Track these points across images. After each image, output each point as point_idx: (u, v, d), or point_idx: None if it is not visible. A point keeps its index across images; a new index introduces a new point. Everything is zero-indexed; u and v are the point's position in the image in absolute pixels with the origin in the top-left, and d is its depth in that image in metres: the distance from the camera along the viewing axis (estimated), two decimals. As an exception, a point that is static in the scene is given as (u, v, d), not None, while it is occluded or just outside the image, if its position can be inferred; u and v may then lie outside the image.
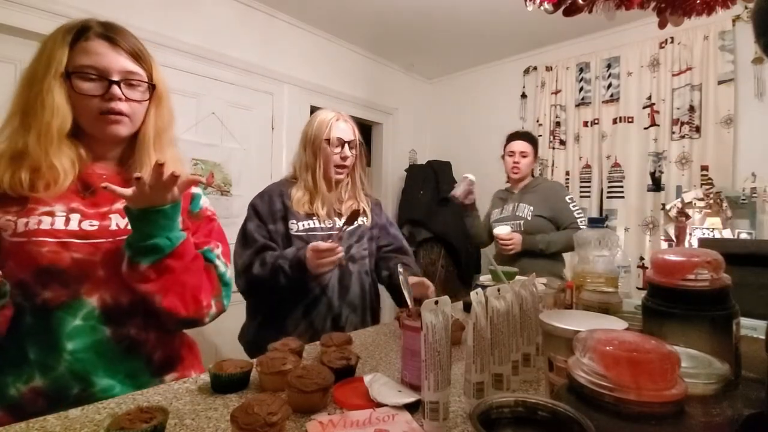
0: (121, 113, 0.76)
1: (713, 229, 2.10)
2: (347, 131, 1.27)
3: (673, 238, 2.23)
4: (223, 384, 0.70)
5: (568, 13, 1.05)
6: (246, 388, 0.72)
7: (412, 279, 1.15)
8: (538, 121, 3.07)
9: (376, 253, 1.37)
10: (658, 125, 2.53)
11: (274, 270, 1.12)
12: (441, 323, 0.57)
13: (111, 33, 0.78)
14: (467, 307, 1.15)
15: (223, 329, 1.30)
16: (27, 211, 0.71)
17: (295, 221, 1.22)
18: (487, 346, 0.64)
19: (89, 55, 0.75)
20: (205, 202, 0.94)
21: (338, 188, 1.30)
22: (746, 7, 2.00)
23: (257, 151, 2.45)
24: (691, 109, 2.39)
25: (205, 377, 0.76)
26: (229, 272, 0.89)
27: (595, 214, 2.79)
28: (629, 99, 2.66)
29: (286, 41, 2.68)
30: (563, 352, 0.60)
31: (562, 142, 2.95)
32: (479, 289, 0.64)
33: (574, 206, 1.90)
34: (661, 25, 1.11)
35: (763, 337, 0.57)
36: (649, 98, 2.58)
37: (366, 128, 3.53)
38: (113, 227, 0.76)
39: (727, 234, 2.07)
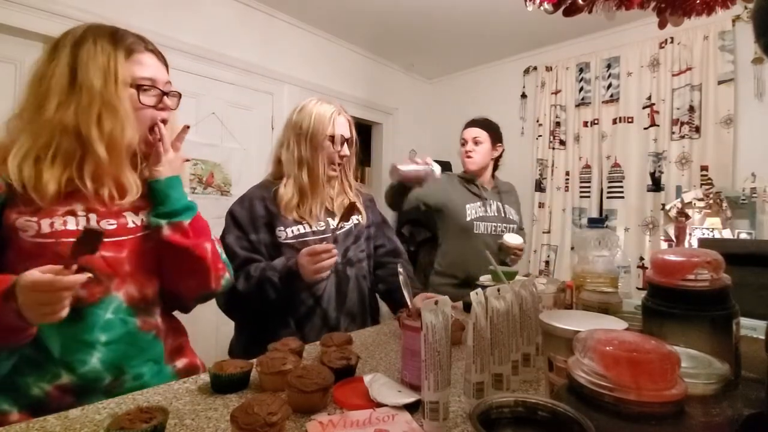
0: (164, 121, 0.82)
1: (713, 229, 2.10)
2: (347, 127, 1.19)
3: (673, 238, 2.23)
4: (223, 384, 0.70)
5: (568, 13, 1.05)
6: (246, 388, 0.72)
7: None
8: (538, 121, 3.07)
9: (374, 255, 1.28)
10: (658, 125, 2.54)
11: (261, 283, 1.02)
12: (441, 323, 0.57)
13: (152, 46, 0.86)
14: (467, 307, 1.14)
15: (222, 336, 1.29)
16: (48, 211, 0.71)
17: (282, 228, 1.10)
18: (487, 346, 0.64)
19: (145, 68, 0.80)
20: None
21: (330, 185, 1.19)
22: (746, 7, 2.00)
23: (257, 151, 2.45)
24: (691, 109, 2.39)
25: (205, 377, 0.76)
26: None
27: (595, 214, 2.79)
28: (629, 99, 2.66)
29: (286, 41, 2.68)
30: (563, 352, 0.60)
31: (562, 142, 2.95)
32: (479, 289, 0.64)
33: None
34: (661, 26, 1.11)
35: (763, 337, 0.57)
36: (649, 98, 2.58)
37: (366, 128, 3.53)
38: (131, 225, 0.79)
39: (726, 234, 2.08)
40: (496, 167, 1.89)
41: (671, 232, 2.26)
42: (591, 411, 0.40)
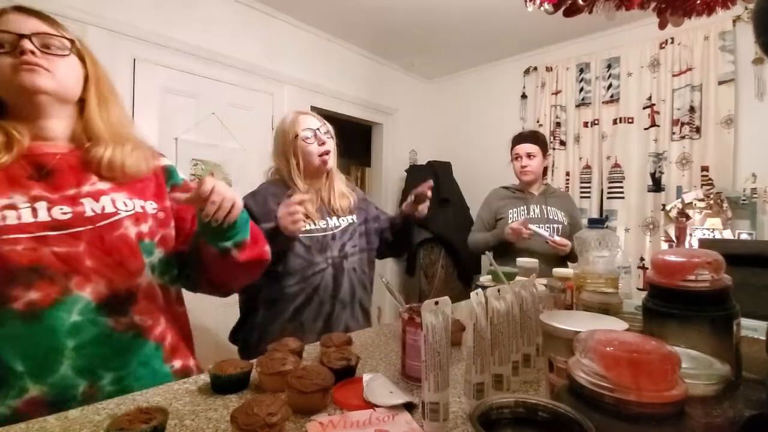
0: (37, 64, 0.71)
1: (713, 229, 2.10)
2: (312, 120, 1.26)
3: (674, 238, 2.23)
4: (223, 384, 0.70)
5: (568, 13, 1.05)
6: (246, 388, 0.72)
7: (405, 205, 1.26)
8: (538, 121, 3.07)
9: (380, 238, 1.39)
10: (659, 126, 2.53)
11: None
12: (441, 324, 0.57)
13: (26, 7, 0.76)
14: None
15: (222, 333, 1.29)
16: None
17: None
18: (487, 347, 0.64)
19: (12, 23, 0.71)
20: (180, 173, 0.95)
21: (329, 179, 1.29)
22: (746, 8, 2.00)
23: (257, 152, 2.45)
24: (692, 109, 2.39)
25: (205, 377, 0.76)
26: None
27: (595, 214, 2.79)
28: (629, 99, 2.66)
29: (286, 41, 2.68)
30: (563, 352, 0.60)
31: (563, 143, 2.95)
32: (479, 290, 0.64)
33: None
34: (662, 26, 1.11)
35: (763, 337, 0.57)
36: (650, 99, 2.57)
37: (366, 128, 3.53)
38: (89, 213, 0.72)
39: (727, 234, 2.07)
40: (544, 174, 2.06)
41: (672, 232, 2.26)
42: (591, 412, 0.40)
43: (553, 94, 3.00)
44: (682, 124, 2.43)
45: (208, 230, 0.78)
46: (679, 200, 2.27)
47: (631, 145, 2.64)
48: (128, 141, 0.82)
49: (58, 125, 0.77)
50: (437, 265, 3.20)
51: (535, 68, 3.12)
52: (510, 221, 1.87)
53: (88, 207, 0.72)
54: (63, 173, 0.73)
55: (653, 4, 1.05)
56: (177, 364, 0.82)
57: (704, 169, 2.34)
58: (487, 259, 1.14)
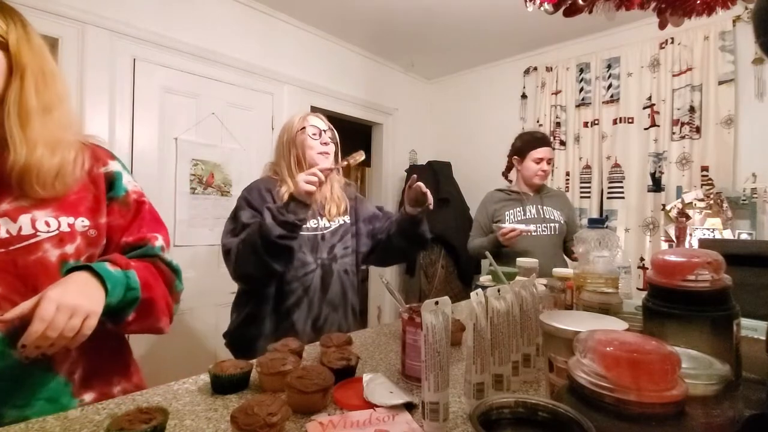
0: None
1: (714, 229, 2.10)
2: (321, 122, 1.29)
3: (674, 238, 2.23)
4: (223, 384, 0.70)
5: (568, 13, 1.05)
6: (246, 388, 0.72)
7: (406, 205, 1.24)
8: (538, 121, 3.07)
9: (374, 239, 1.37)
10: (659, 126, 2.53)
11: (260, 218, 1.09)
12: (441, 324, 0.57)
13: None
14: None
15: (223, 329, 1.29)
16: None
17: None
18: (488, 347, 0.64)
19: None
20: (128, 181, 0.81)
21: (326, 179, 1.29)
22: (746, 8, 2.00)
23: (257, 152, 2.45)
24: (692, 109, 2.39)
25: (205, 378, 0.76)
26: (174, 259, 0.84)
27: (595, 214, 2.79)
28: (629, 99, 2.66)
29: (286, 41, 2.68)
30: (563, 352, 0.60)
31: (563, 143, 2.95)
32: (479, 290, 0.64)
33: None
34: (662, 26, 1.11)
35: (763, 337, 0.57)
36: (650, 99, 2.57)
37: (366, 128, 3.53)
38: (3, 235, 0.64)
39: (727, 234, 2.07)
40: None
41: (672, 232, 2.26)
42: (591, 412, 0.40)
43: (553, 94, 2.99)
44: (682, 124, 2.43)
45: None
46: (679, 200, 2.27)
47: (631, 145, 2.64)
48: (59, 148, 0.70)
49: None
50: (437, 265, 3.19)
51: (535, 68, 3.12)
52: (507, 222, 1.89)
53: (3, 228, 0.64)
54: None
55: (653, 4, 1.05)
56: (88, 397, 0.73)
57: (704, 169, 2.34)
58: (487, 259, 1.14)
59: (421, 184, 1.18)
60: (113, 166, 0.80)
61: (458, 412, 0.64)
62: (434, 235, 3.13)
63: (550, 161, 1.93)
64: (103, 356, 0.77)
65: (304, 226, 1.20)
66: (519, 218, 1.91)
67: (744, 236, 2.09)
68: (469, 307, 0.62)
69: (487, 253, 1.21)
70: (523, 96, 3.20)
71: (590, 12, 1.04)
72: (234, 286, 1.25)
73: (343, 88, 3.05)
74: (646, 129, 2.59)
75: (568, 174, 2.91)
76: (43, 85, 0.70)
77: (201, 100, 2.25)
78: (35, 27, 0.72)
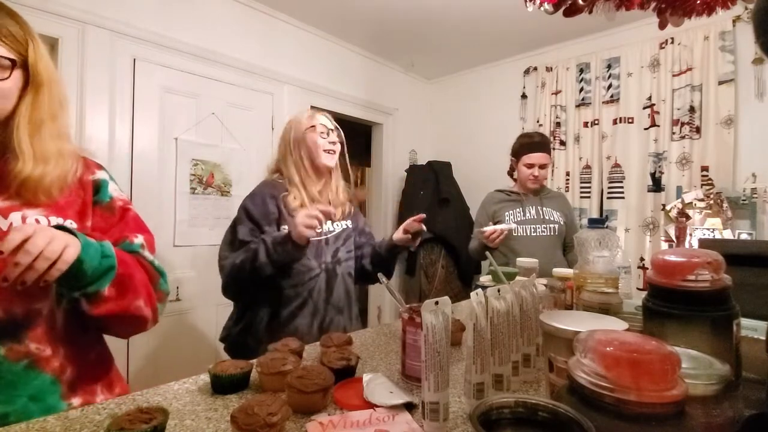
0: None
1: (714, 229, 2.10)
2: (328, 121, 1.29)
3: (674, 238, 2.23)
4: (224, 384, 0.70)
5: (568, 13, 1.05)
6: (246, 388, 0.72)
7: (397, 234, 1.24)
8: (538, 121, 3.07)
9: (357, 257, 1.37)
10: (659, 126, 2.53)
11: (255, 250, 1.07)
12: (441, 324, 0.57)
13: None
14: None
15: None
16: None
17: (287, 226, 1.17)
18: (488, 347, 0.64)
19: None
20: (114, 189, 0.83)
21: (331, 180, 1.30)
22: (746, 8, 2.00)
23: (257, 152, 2.45)
24: (692, 109, 2.39)
25: (205, 378, 0.76)
26: (158, 261, 0.84)
27: (595, 214, 2.79)
28: (629, 99, 2.66)
29: (286, 41, 2.68)
30: (563, 352, 0.60)
31: (563, 143, 2.95)
32: (479, 290, 0.64)
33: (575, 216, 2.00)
34: (662, 26, 1.11)
35: (763, 337, 0.57)
36: (650, 99, 2.57)
37: (366, 128, 3.53)
38: None
39: (727, 234, 2.07)
40: None
41: (672, 232, 2.26)
42: (591, 412, 0.40)
43: (553, 94, 2.99)
44: (682, 124, 2.43)
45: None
46: (679, 200, 2.27)
47: (631, 145, 2.64)
48: (61, 159, 0.73)
49: None
50: (437, 265, 3.20)
51: (535, 68, 3.12)
52: (507, 221, 1.90)
53: None
54: None
55: (653, 4, 1.05)
56: (76, 401, 0.72)
57: (704, 169, 2.34)
58: (487, 259, 1.14)
59: (422, 227, 1.20)
60: (101, 175, 0.83)
61: (458, 412, 0.64)
62: (434, 235, 3.15)
63: (544, 167, 1.91)
64: (89, 361, 0.77)
65: None
66: (518, 219, 1.92)
67: (744, 236, 2.09)
68: (469, 307, 0.62)
69: (488, 253, 1.21)
70: (523, 96, 3.20)
71: (590, 12, 1.04)
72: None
73: (343, 88, 3.05)
74: (646, 129, 2.59)
75: (568, 174, 2.91)
76: (50, 95, 0.73)
77: (201, 100, 2.25)
78: (35, 27, 0.73)
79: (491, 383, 0.66)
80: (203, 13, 2.26)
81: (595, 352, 0.42)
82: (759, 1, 0.53)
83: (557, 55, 3.01)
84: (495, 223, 1.97)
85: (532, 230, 1.88)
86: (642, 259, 2.55)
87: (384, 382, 0.71)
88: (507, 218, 1.93)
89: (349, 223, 1.33)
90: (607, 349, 0.41)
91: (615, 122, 2.70)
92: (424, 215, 1.20)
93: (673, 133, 2.47)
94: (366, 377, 0.73)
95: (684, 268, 0.58)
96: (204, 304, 2.18)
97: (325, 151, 1.24)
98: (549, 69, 3.03)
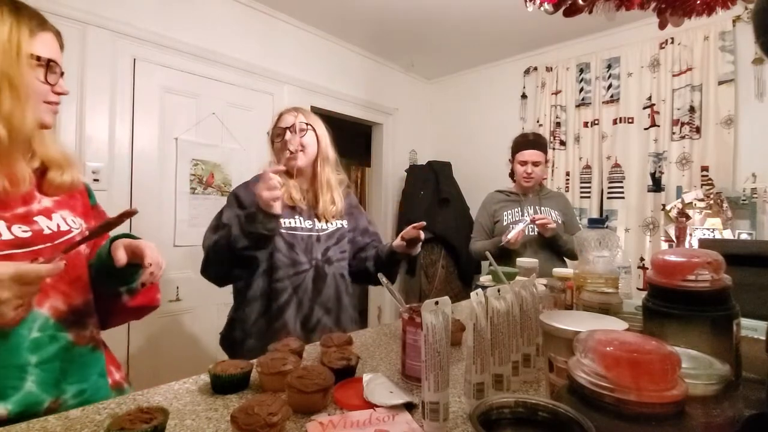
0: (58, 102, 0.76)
1: (714, 229, 2.10)
2: (288, 118, 1.25)
3: (674, 238, 2.23)
4: (224, 384, 0.70)
5: (568, 13, 1.05)
6: (246, 388, 0.72)
7: (396, 242, 1.22)
8: (538, 121, 3.07)
9: (354, 252, 1.35)
10: (659, 126, 2.53)
11: (230, 226, 1.07)
12: (441, 324, 0.57)
13: (51, 25, 0.75)
14: None
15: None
16: None
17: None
18: (488, 347, 0.64)
19: (49, 48, 0.72)
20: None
21: (314, 179, 1.27)
22: (746, 8, 2.00)
23: (257, 151, 2.45)
24: (692, 109, 2.39)
25: (205, 378, 0.76)
26: None
27: (595, 214, 2.79)
28: (629, 99, 2.66)
29: (286, 41, 2.68)
30: (563, 352, 0.60)
31: (563, 143, 2.95)
32: (479, 290, 0.64)
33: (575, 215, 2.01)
34: (662, 26, 1.11)
35: (763, 337, 0.57)
36: (650, 99, 2.57)
37: (366, 128, 3.53)
38: (47, 231, 0.72)
39: (727, 234, 2.07)
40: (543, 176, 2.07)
41: (672, 232, 2.26)
42: (591, 412, 0.40)
43: (553, 94, 2.99)
44: (682, 124, 2.43)
45: (108, 271, 0.76)
46: (679, 200, 2.27)
47: (631, 145, 2.64)
48: (71, 159, 0.81)
49: None
50: (437, 265, 3.20)
51: (535, 68, 3.12)
52: (506, 224, 1.92)
53: (44, 225, 0.72)
54: (11, 192, 0.71)
55: (653, 4, 1.05)
56: (111, 378, 0.82)
57: (704, 169, 2.34)
58: (487, 259, 1.14)
59: (420, 235, 1.19)
60: (83, 180, 0.91)
61: (458, 412, 0.64)
62: (434, 235, 3.15)
63: (537, 164, 1.93)
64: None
65: (297, 225, 1.21)
66: (517, 218, 1.93)
67: (744, 236, 2.09)
68: (469, 307, 0.62)
69: (488, 253, 1.21)
70: (523, 96, 3.20)
71: (590, 12, 1.04)
72: (234, 286, 1.25)
73: (343, 88, 3.05)
74: (646, 129, 2.59)
75: (568, 174, 2.91)
76: None
77: (201, 100, 2.25)
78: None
79: (491, 383, 0.66)
80: (203, 13, 2.26)
81: (595, 352, 0.42)
82: (759, 1, 0.53)
83: (557, 55, 3.01)
84: (495, 224, 1.99)
85: (531, 230, 1.88)
86: (642, 259, 2.55)
87: (384, 382, 0.71)
88: (506, 218, 1.94)
89: (344, 222, 1.32)
90: (607, 349, 0.41)
91: (615, 122, 2.70)
92: (424, 223, 1.17)
93: (673, 133, 2.47)
94: (366, 377, 0.73)
95: (684, 268, 0.58)
96: (204, 304, 2.18)
97: (287, 159, 1.22)
98: (549, 69, 3.03)
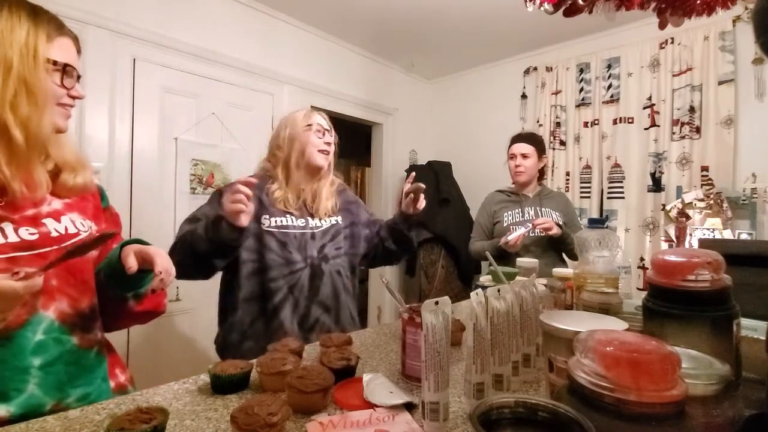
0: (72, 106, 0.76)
1: (714, 229, 2.10)
2: (324, 121, 1.29)
3: (674, 238, 2.23)
4: (224, 384, 0.70)
5: (568, 13, 1.05)
6: (246, 388, 0.72)
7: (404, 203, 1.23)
8: (538, 121, 3.07)
9: (370, 243, 1.36)
10: (659, 126, 2.53)
11: (198, 224, 1.07)
12: (441, 324, 0.57)
13: (69, 30, 0.75)
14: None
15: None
16: None
17: (268, 216, 1.18)
18: (488, 347, 0.64)
19: (67, 52, 0.73)
20: (104, 195, 0.93)
21: (321, 180, 1.28)
22: (746, 8, 2.00)
23: (257, 152, 2.43)
24: (692, 109, 2.39)
25: (205, 378, 0.76)
26: None
27: (595, 214, 2.79)
28: (629, 99, 2.66)
29: (286, 41, 2.68)
30: (563, 352, 0.60)
31: (563, 143, 2.95)
32: (479, 290, 0.64)
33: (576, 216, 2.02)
34: (662, 26, 1.11)
35: (763, 337, 0.57)
36: (650, 99, 2.57)
37: (366, 128, 3.53)
38: (54, 234, 0.71)
39: (727, 234, 2.07)
40: (541, 176, 2.06)
41: (672, 232, 2.26)
42: (591, 412, 0.40)
43: (553, 94, 2.99)
44: (682, 124, 2.43)
45: (118, 276, 0.76)
46: (679, 200, 2.27)
47: (631, 145, 2.64)
48: (84, 162, 0.82)
49: None
50: (437, 265, 3.19)
51: (535, 68, 3.12)
52: (506, 224, 1.92)
53: (52, 227, 0.72)
54: (21, 194, 0.70)
55: (653, 4, 1.05)
56: (113, 382, 0.82)
57: (704, 169, 2.34)
58: (487, 259, 1.14)
59: (419, 186, 1.20)
60: (97, 181, 0.91)
61: (458, 412, 0.64)
62: (434, 235, 3.15)
63: (526, 156, 1.93)
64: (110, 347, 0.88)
65: (289, 223, 1.21)
66: (517, 219, 1.93)
67: (744, 236, 2.09)
68: (469, 307, 0.62)
69: (488, 253, 1.21)
70: (523, 96, 3.20)
71: (590, 12, 1.04)
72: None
73: (343, 88, 3.05)
74: (646, 129, 2.59)
75: (568, 174, 2.91)
76: None
77: (201, 100, 2.25)
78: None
79: (491, 383, 0.66)
80: (203, 13, 2.26)
81: (595, 352, 0.42)
82: (759, 1, 0.53)
83: (557, 55, 3.01)
84: (495, 224, 1.99)
85: (531, 230, 1.88)
86: (642, 259, 2.55)
87: (384, 382, 0.71)
88: (506, 218, 1.94)
89: (339, 219, 1.30)
90: (607, 349, 0.41)
91: (615, 122, 2.70)
92: (414, 173, 1.19)
93: (673, 133, 2.47)
94: (366, 377, 0.73)
95: (684, 268, 0.58)
96: (204, 304, 2.18)
97: (319, 151, 1.24)
98: (549, 69, 3.03)
